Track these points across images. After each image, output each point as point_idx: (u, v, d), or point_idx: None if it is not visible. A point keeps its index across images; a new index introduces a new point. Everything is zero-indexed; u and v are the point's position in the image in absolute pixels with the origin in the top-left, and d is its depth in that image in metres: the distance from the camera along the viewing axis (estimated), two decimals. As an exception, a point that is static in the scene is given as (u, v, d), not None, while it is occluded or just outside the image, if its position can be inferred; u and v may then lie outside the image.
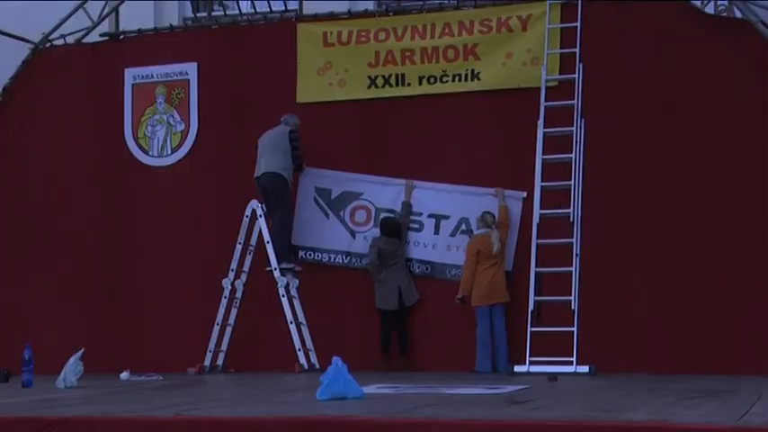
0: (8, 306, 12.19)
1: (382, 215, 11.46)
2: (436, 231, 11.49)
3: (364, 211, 11.74)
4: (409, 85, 11.66)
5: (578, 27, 11.00)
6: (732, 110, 10.37)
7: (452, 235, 11.43)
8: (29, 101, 12.68)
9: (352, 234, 11.71)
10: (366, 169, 11.76)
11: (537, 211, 10.67)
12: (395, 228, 11.28)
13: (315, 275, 11.64)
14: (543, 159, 10.77)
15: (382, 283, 11.20)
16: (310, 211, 11.81)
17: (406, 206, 11.44)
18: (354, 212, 11.76)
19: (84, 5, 12.72)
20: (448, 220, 11.47)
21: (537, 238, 10.61)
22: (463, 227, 11.37)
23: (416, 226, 11.51)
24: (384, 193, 11.66)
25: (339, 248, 11.74)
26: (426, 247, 11.48)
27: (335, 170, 11.79)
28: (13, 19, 12.31)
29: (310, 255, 11.77)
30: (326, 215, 11.81)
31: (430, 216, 11.49)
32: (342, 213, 11.78)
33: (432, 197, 11.49)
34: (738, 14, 9.55)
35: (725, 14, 10.73)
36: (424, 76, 11.60)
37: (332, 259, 11.74)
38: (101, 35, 12.90)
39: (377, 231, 11.49)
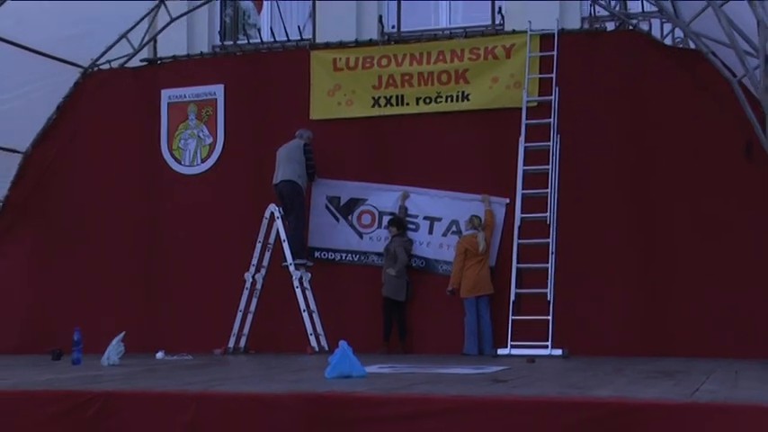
0: (61, 295, 12.26)
1: (388, 217, 11.51)
2: (430, 232, 11.53)
3: (369, 215, 11.79)
4: (408, 104, 11.69)
5: (555, 55, 11.08)
6: (688, 124, 10.40)
7: (444, 235, 11.47)
8: (79, 117, 12.76)
9: (360, 235, 11.77)
10: (370, 178, 11.84)
11: (518, 215, 10.77)
12: (399, 224, 11.36)
13: (326, 270, 11.68)
14: (524, 170, 10.87)
15: (399, 278, 11.20)
16: (323, 216, 11.87)
17: (403, 210, 11.46)
18: (361, 216, 11.81)
19: (128, 35, 12.78)
20: (440, 222, 11.52)
21: (518, 239, 10.71)
22: (453, 228, 11.42)
23: (413, 227, 11.57)
24: (386, 199, 11.72)
25: (349, 248, 11.80)
26: (422, 245, 11.53)
27: (343, 180, 11.84)
28: (66, 47, 12.32)
29: (324, 255, 11.82)
30: (337, 219, 11.87)
31: (425, 218, 11.55)
32: (350, 217, 11.85)
33: (427, 202, 11.55)
34: (692, 45, 9.54)
35: (681, 45, 10.73)
36: (420, 97, 11.64)
37: (343, 258, 11.80)
38: (141, 60, 13.03)
39: (382, 232, 11.52)
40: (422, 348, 11.08)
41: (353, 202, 11.84)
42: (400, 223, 11.39)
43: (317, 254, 11.78)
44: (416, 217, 11.55)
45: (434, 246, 11.49)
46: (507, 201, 11.09)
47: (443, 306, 11.11)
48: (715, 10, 6.87)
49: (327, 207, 11.87)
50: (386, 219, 11.60)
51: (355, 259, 11.77)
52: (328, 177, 11.80)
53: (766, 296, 9.85)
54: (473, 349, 10.68)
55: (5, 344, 11.93)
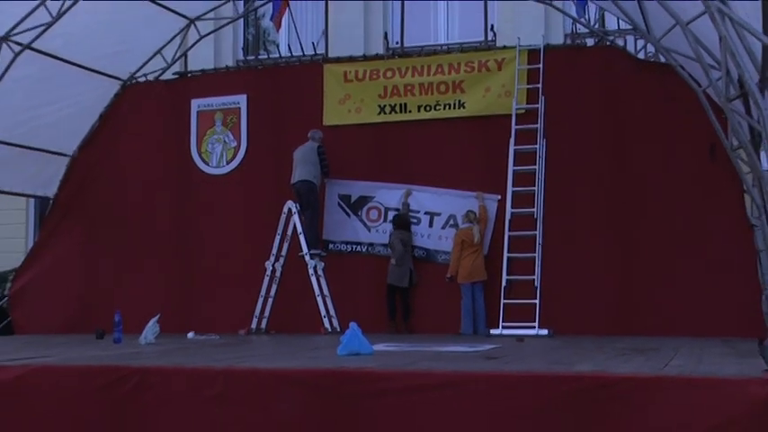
0: (104, 282, 12.31)
1: (394, 213, 11.49)
2: (430, 225, 11.51)
3: (376, 210, 11.77)
4: (410, 112, 11.66)
5: (541, 68, 11.05)
6: (659, 128, 10.38)
7: (443, 228, 11.46)
8: (119, 124, 12.77)
9: (368, 228, 11.75)
10: (377, 177, 11.82)
11: (508, 210, 10.75)
12: (408, 221, 11.34)
13: (338, 260, 11.69)
14: (514, 170, 10.85)
15: (400, 266, 11.18)
16: (336, 213, 11.86)
17: (405, 206, 11.46)
18: (369, 211, 11.79)
19: (161, 51, 12.80)
20: (440, 216, 11.50)
21: (509, 231, 10.70)
22: (451, 222, 11.40)
23: (415, 220, 11.56)
24: (391, 196, 11.71)
25: (358, 240, 11.79)
26: (423, 237, 11.52)
27: (353, 180, 11.83)
28: (107, 62, 12.35)
29: (337, 246, 11.81)
30: (348, 215, 11.85)
31: (426, 213, 11.53)
32: (359, 213, 11.82)
33: (427, 198, 11.54)
34: (663, 59, 9.52)
35: (653, 59, 10.71)
36: (421, 105, 11.61)
37: (353, 249, 11.79)
38: (173, 74, 13.03)
39: (387, 226, 11.51)
40: (423, 328, 11.06)
41: (362, 200, 11.82)
42: (400, 220, 11.37)
43: (330, 246, 11.76)
44: (418, 212, 11.53)
45: (434, 237, 11.48)
46: (499, 197, 11.06)
47: (442, 291, 11.09)
48: (682, 28, 6.85)
49: (339, 204, 11.85)
50: (391, 214, 11.58)
51: (364, 250, 11.75)
52: (340, 177, 11.78)
53: (726, 282, 9.81)
54: (469, 329, 10.68)
55: (57, 325, 11.99)
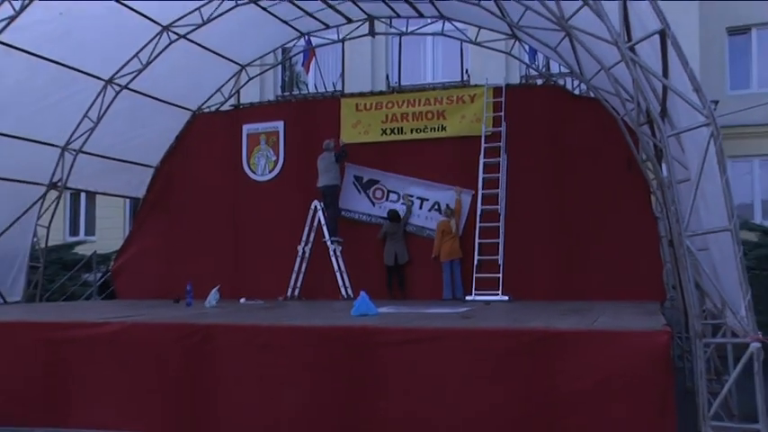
0: (179, 261, 12.19)
1: (389, 209, 11.33)
2: (420, 208, 11.37)
3: (380, 191, 11.60)
4: (405, 133, 11.53)
5: (503, 101, 10.99)
6: (589, 146, 10.30)
7: (429, 210, 11.30)
8: (190, 143, 12.71)
9: (373, 204, 11.60)
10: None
11: (479, 206, 10.70)
12: (395, 216, 11.22)
13: (350, 225, 11.49)
14: (483, 177, 10.77)
15: (386, 250, 11.14)
16: (350, 189, 11.69)
17: (408, 210, 11.34)
18: (375, 191, 11.63)
19: (221, 89, 12.76)
20: (427, 201, 11.33)
21: (479, 223, 10.63)
22: (435, 207, 11.25)
23: (410, 203, 11.39)
24: (392, 182, 11.52)
25: (365, 212, 11.60)
26: (414, 216, 11.35)
27: (365, 166, 11.67)
28: (182, 96, 12.34)
29: (349, 214, 11.62)
30: (359, 191, 11.67)
31: (417, 198, 11.40)
32: (368, 191, 11.66)
33: (419, 188, 11.39)
34: (592, 94, 9.50)
35: (585, 94, 10.69)
36: (414, 128, 11.48)
37: (360, 217, 11.61)
38: (230, 106, 12.94)
39: (388, 204, 11.40)
40: (415, 295, 11.01)
41: (371, 182, 11.65)
42: (391, 215, 11.20)
43: (344, 212, 11.58)
44: (412, 197, 11.40)
45: (422, 217, 11.33)
46: (473, 192, 10.92)
47: (429, 267, 11.01)
48: (606, 72, 6.84)
49: (354, 183, 11.70)
50: (392, 195, 11.46)
51: (368, 220, 11.57)
52: (357, 164, 11.65)
53: (638, 259, 9.79)
54: (449, 295, 10.64)
55: (147, 293, 11.99)
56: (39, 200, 11.46)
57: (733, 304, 5.44)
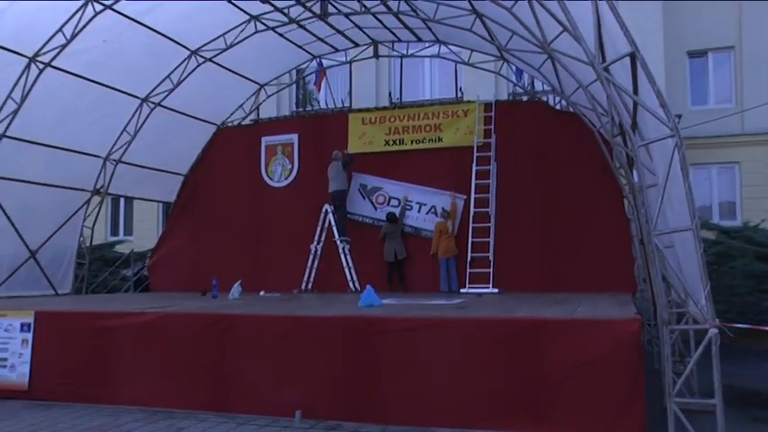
0: (206, 258, 12.22)
1: (388, 212, 11.27)
2: (419, 211, 11.30)
3: (382, 197, 11.52)
4: (406, 144, 11.49)
5: (493, 115, 10.95)
6: (570, 155, 10.26)
7: (427, 213, 11.25)
8: (215, 154, 12.70)
9: (375, 208, 11.53)
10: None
11: (472, 209, 10.65)
12: (393, 218, 11.17)
13: (356, 226, 11.43)
14: (475, 183, 10.74)
15: (386, 248, 11.09)
16: (356, 195, 11.65)
17: (404, 202, 11.30)
18: (377, 197, 11.58)
19: (242, 105, 12.77)
20: (426, 205, 11.27)
21: (472, 223, 10.59)
22: (433, 210, 11.20)
23: (409, 207, 11.33)
24: (393, 188, 11.46)
25: (368, 215, 11.53)
26: (413, 218, 11.29)
27: (370, 175, 11.61)
28: (207, 112, 12.36)
29: (354, 216, 11.56)
30: (364, 197, 11.62)
31: (416, 203, 11.33)
32: (371, 197, 11.61)
33: (418, 193, 11.33)
34: (572, 109, 9.52)
35: (566, 109, 10.68)
36: (414, 140, 11.45)
37: (363, 220, 11.52)
38: (250, 120, 12.95)
39: (388, 208, 11.31)
40: (415, 288, 10.99)
41: (374, 188, 11.60)
42: (389, 217, 11.15)
43: (350, 215, 11.51)
44: (411, 201, 11.34)
45: (421, 219, 11.26)
46: (465, 197, 10.89)
47: (428, 263, 10.97)
48: (583, 89, 6.88)
49: (359, 190, 11.65)
50: (393, 201, 11.41)
51: (371, 222, 11.50)
52: (362, 172, 11.62)
53: (613, 255, 9.73)
54: (445, 288, 10.60)
55: (178, 286, 12.02)
56: (84, 204, 11.58)
57: (695, 295, 5.49)
